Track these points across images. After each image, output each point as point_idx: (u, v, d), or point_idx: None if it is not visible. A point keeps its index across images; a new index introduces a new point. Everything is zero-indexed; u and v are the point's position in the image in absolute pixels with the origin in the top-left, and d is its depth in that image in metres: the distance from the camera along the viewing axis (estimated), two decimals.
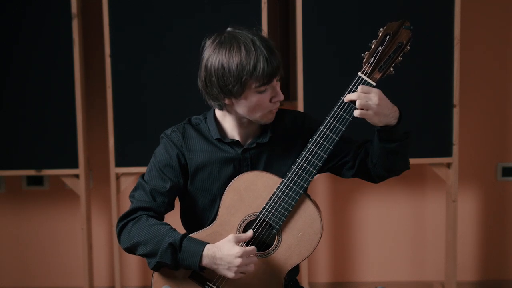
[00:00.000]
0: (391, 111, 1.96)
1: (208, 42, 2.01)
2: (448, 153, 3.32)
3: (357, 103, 1.94)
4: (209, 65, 1.99)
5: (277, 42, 3.56)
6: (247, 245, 2.02)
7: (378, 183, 2.17)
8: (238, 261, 1.93)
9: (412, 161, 3.26)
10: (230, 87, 1.96)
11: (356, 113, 1.94)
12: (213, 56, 1.98)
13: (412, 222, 3.73)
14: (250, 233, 2.01)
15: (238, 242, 1.97)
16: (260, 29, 2.03)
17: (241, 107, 2.02)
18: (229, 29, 2.02)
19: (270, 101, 2.01)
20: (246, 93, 1.98)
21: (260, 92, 1.98)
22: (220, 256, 1.95)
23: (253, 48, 1.94)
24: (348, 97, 1.96)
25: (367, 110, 1.94)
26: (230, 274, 1.95)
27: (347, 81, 1.99)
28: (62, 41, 3.26)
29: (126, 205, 2.11)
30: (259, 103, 2.00)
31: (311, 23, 3.23)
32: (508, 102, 3.65)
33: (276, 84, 2.01)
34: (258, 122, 2.06)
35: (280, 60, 1.99)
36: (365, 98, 1.93)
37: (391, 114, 1.97)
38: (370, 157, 2.08)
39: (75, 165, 3.33)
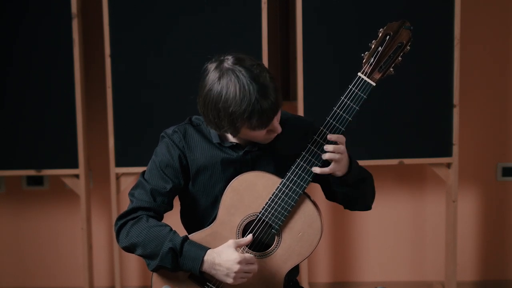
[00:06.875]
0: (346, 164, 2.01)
1: (210, 69, 1.94)
2: (448, 153, 3.32)
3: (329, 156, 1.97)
4: (207, 101, 1.93)
5: (277, 42, 3.56)
6: (247, 247, 2.02)
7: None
8: (237, 267, 1.93)
9: (412, 161, 3.34)
10: (225, 128, 1.95)
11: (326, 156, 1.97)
12: (211, 92, 1.91)
13: (412, 222, 3.72)
14: (249, 237, 2.01)
15: (237, 247, 1.97)
16: (262, 64, 1.95)
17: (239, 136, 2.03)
18: (230, 59, 1.92)
19: (267, 132, 1.99)
20: (241, 132, 1.97)
21: (255, 131, 1.96)
22: (219, 262, 1.95)
23: (248, 95, 1.87)
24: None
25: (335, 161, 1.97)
26: (229, 280, 1.95)
27: (347, 81, 1.99)
28: (62, 41, 3.26)
29: (126, 205, 2.11)
30: (255, 137, 2.00)
31: (311, 23, 3.23)
32: (508, 102, 3.65)
33: (274, 120, 1.96)
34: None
35: (277, 100, 1.91)
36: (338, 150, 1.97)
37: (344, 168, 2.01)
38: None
39: (75, 165, 3.33)
